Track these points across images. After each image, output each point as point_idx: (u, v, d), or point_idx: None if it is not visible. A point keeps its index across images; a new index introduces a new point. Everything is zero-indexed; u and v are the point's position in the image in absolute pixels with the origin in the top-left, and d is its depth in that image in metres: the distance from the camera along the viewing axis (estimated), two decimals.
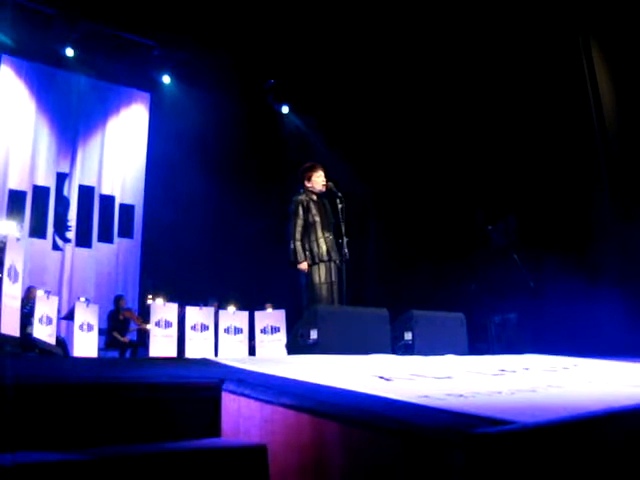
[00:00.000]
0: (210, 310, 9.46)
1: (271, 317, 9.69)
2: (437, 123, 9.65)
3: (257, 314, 9.69)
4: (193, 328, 9.08)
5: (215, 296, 10.47)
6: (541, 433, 1.63)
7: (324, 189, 5.94)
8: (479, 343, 7.19)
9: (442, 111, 9.51)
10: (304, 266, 5.72)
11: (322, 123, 11.62)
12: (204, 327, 9.16)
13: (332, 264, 5.83)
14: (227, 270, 11.53)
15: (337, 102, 10.95)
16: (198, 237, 11.49)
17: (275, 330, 9.51)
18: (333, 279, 5.80)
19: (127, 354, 9.82)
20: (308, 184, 5.96)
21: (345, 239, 5.74)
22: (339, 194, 5.81)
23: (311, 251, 5.76)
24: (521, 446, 1.56)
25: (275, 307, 10.13)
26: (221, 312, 9.63)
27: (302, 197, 5.91)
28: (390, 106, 10.35)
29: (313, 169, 6.00)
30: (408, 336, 5.23)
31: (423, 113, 9.80)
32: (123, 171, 11.93)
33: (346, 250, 5.74)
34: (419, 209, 10.00)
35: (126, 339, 9.97)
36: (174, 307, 9.20)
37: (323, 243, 5.79)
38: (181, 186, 11.44)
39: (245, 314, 9.63)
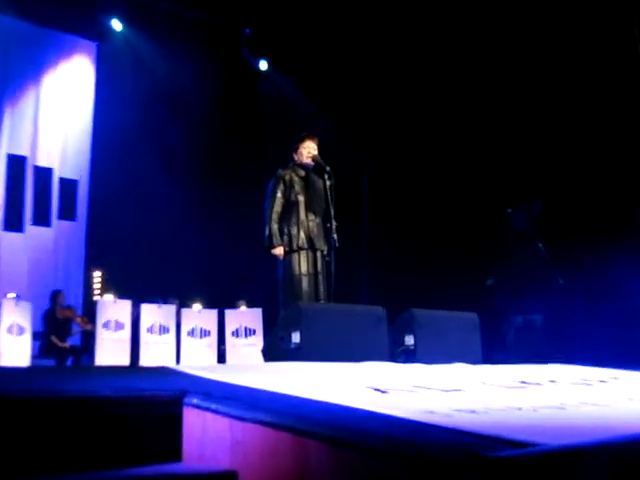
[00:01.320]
0: (171, 308, 9.47)
1: (245, 317, 9.73)
2: (442, 84, 9.74)
3: (228, 313, 9.73)
4: (150, 330, 9.08)
5: (177, 291, 10.45)
6: (569, 458, 1.63)
7: (311, 162, 6.08)
8: (496, 350, 7.22)
9: (447, 71, 9.63)
10: (279, 251, 5.86)
11: (307, 82, 11.55)
12: (163, 329, 9.17)
13: (317, 253, 5.95)
14: (191, 260, 11.50)
15: (326, 56, 10.89)
16: (156, 221, 11.41)
17: (250, 332, 9.57)
18: (318, 270, 5.90)
19: (68, 362, 9.76)
20: (295, 156, 6.16)
21: (334, 223, 5.81)
22: (327, 168, 5.93)
23: (289, 236, 5.90)
24: (544, 473, 1.56)
25: (250, 305, 10.19)
26: (184, 311, 9.67)
27: (286, 172, 6.09)
28: (389, 62, 10.34)
29: (302, 139, 6.17)
30: (409, 340, 5.28)
31: (426, 74, 9.87)
32: (63, 138, 11.80)
33: (335, 236, 5.79)
34: (423, 187, 10.04)
35: (66, 344, 9.94)
36: (127, 305, 9.19)
37: (305, 227, 5.94)
38: (136, 158, 11.28)
39: (213, 313, 9.66)
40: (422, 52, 9.90)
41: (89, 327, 9.71)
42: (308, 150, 6.10)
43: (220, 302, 10.26)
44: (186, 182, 11.61)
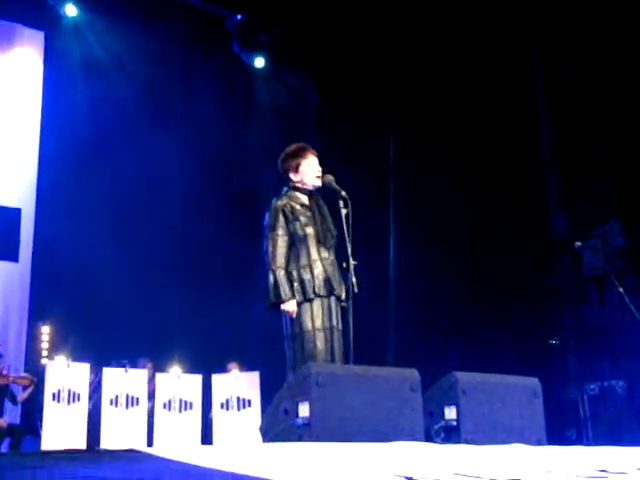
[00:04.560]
0: (141, 373, 9.48)
1: (237, 384, 9.70)
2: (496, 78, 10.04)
3: (215, 379, 9.72)
4: (114, 402, 9.00)
5: (149, 352, 10.46)
6: None
7: (319, 184, 6.07)
8: (564, 427, 7.25)
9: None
10: (290, 307, 5.78)
11: (321, 80, 11.67)
12: (132, 400, 9.09)
13: (333, 300, 5.91)
14: (167, 312, 11.39)
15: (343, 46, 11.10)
16: (122, 262, 11.26)
17: (244, 404, 9.54)
18: (334, 323, 5.87)
19: (4, 446, 9.67)
20: (295, 177, 6.09)
21: (352, 262, 5.80)
22: (342, 193, 5.91)
23: (301, 282, 5.83)
24: None
25: (244, 368, 10.16)
26: (158, 376, 9.61)
27: (284, 201, 6.04)
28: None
29: (302, 153, 6.13)
30: (450, 413, 5.24)
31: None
32: (2, 154, 11.72)
33: (354, 279, 5.81)
34: (468, 213, 9.97)
35: (3, 421, 9.78)
36: (83, 369, 9.06)
37: (320, 268, 5.89)
38: (97, 180, 11.25)
39: (196, 379, 9.61)
40: None
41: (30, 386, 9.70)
42: (315, 167, 6.08)
43: (205, 365, 10.23)
44: (159, 214, 11.55)
